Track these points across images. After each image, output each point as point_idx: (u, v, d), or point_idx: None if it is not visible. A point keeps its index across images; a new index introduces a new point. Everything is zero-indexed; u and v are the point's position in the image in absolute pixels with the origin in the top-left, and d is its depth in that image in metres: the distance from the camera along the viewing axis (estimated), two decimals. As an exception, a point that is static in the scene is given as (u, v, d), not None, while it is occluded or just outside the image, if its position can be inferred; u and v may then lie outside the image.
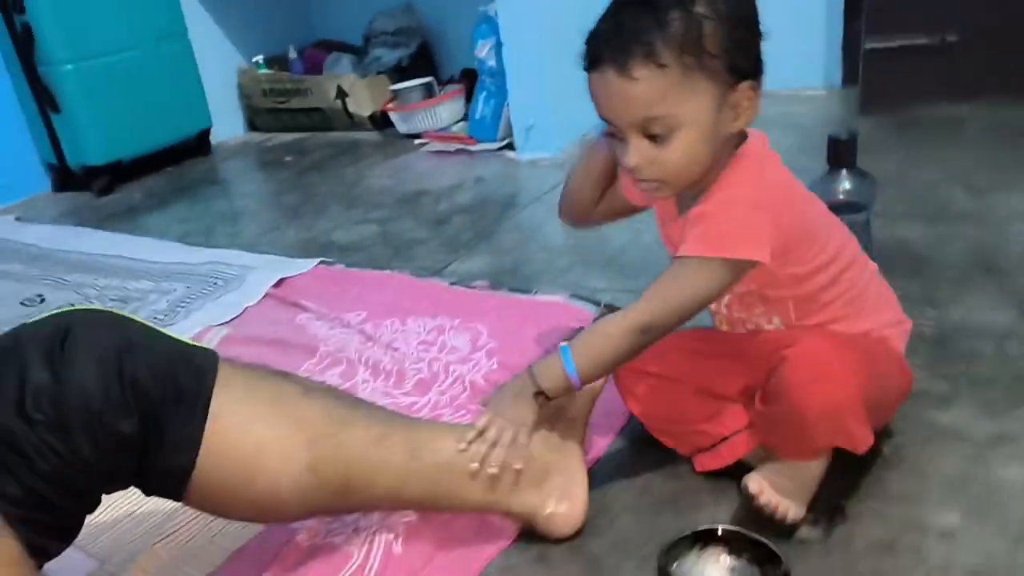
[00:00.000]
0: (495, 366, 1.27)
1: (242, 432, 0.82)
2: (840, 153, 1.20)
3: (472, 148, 2.56)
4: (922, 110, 2.28)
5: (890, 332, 0.96)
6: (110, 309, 0.84)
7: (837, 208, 1.21)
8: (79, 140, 2.57)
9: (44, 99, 2.53)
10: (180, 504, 0.85)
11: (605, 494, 1.01)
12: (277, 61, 3.16)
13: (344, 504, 0.90)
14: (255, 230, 2.20)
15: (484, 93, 2.54)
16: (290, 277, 1.71)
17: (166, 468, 0.79)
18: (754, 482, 0.90)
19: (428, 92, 2.79)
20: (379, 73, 2.94)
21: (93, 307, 0.84)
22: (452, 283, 1.61)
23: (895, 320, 0.98)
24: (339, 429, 0.86)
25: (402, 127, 2.78)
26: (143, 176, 2.75)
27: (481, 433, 0.89)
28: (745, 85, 0.81)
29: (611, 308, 1.36)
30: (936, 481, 0.96)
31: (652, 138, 0.81)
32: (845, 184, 1.21)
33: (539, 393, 0.89)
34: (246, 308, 1.61)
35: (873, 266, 0.99)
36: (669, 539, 0.86)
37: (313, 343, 1.42)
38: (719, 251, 0.82)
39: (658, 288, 0.86)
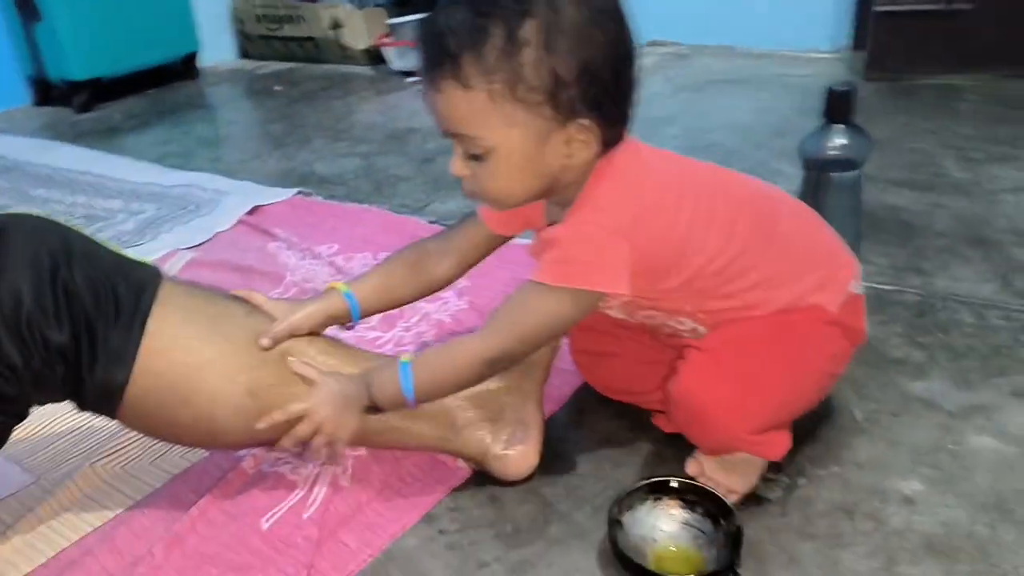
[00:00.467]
0: (464, 305, 1.23)
1: (180, 350, 0.78)
2: (837, 106, 1.14)
3: (465, 89, 2.48)
4: (926, 78, 2.24)
5: (821, 296, 0.85)
6: (52, 217, 0.79)
7: (828, 164, 1.18)
8: (60, 53, 2.49)
9: (26, 7, 2.44)
10: (121, 422, 0.82)
11: (564, 441, 0.98)
12: (273, -14, 3.06)
13: (285, 434, 0.86)
14: (236, 157, 2.14)
15: (481, 32, 2.46)
16: (265, 205, 1.66)
17: (99, 383, 0.75)
18: (693, 464, 0.89)
19: (425, 28, 2.70)
20: (377, 6, 2.85)
21: (33, 212, 0.79)
22: (431, 221, 1.56)
23: (829, 277, 0.87)
24: (283, 354, 0.83)
25: (396, 63, 2.70)
26: (126, 96, 2.68)
27: (291, 424, 0.81)
28: (577, 124, 0.71)
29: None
30: (905, 449, 0.93)
31: (472, 155, 0.73)
32: (839, 139, 1.16)
33: (371, 407, 0.82)
34: (216, 233, 1.56)
35: (792, 223, 0.88)
36: (623, 489, 0.83)
37: (281, 272, 1.38)
38: (567, 280, 0.74)
39: (507, 317, 0.78)
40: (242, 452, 0.94)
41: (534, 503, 0.90)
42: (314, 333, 0.87)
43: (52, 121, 2.51)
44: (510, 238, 0.91)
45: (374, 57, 2.82)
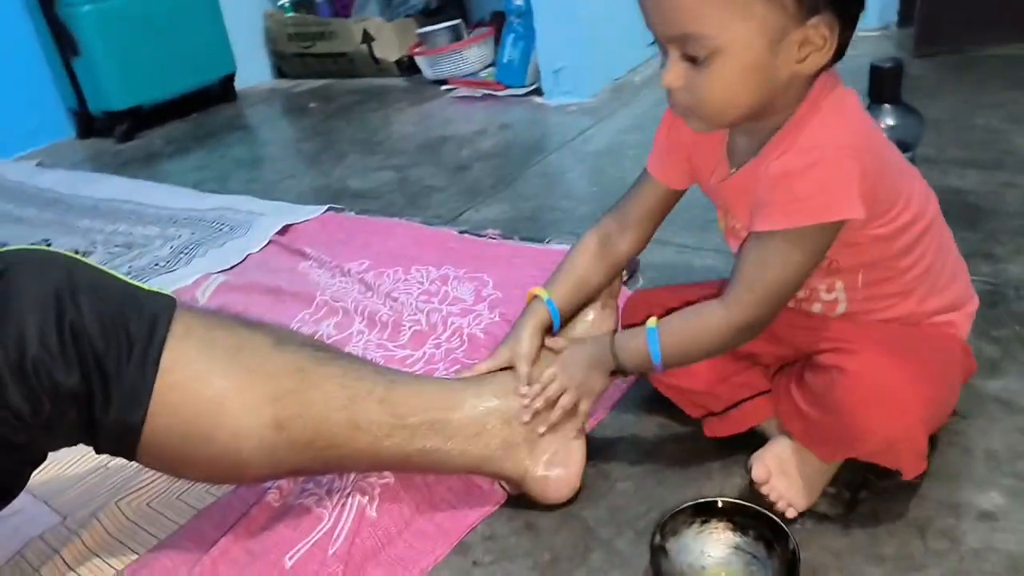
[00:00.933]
0: (496, 318, 1.18)
1: (198, 386, 0.74)
2: (883, 85, 1.06)
3: (499, 93, 2.44)
4: (982, 50, 2.09)
5: (956, 316, 0.82)
6: (60, 250, 0.76)
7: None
8: (99, 84, 2.52)
9: (64, 42, 2.48)
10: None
11: (605, 460, 0.92)
12: (304, 5, 3.06)
13: (315, 465, 0.82)
14: (271, 176, 2.13)
15: (512, 35, 2.41)
16: (296, 223, 1.64)
17: (114, 425, 0.72)
18: (761, 467, 0.81)
19: (455, 35, 2.67)
20: (407, 16, 2.82)
21: (37, 247, 0.76)
22: (462, 231, 1.52)
23: (965, 296, 0.84)
24: (310, 383, 0.78)
25: (428, 72, 2.67)
26: (167, 122, 2.71)
27: (543, 388, 0.84)
28: (819, 20, 0.65)
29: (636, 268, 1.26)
30: (980, 457, 0.85)
31: (693, 59, 0.67)
32: (888, 120, 1.07)
33: (616, 370, 0.82)
34: (248, 255, 1.54)
35: (947, 231, 0.84)
36: (665, 512, 0.77)
37: (311, 291, 1.34)
38: (811, 218, 0.68)
39: (751, 276, 0.73)
40: (268, 484, 0.91)
41: (573, 528, 0.84)
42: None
43: (95, 152, 2.55)
44: (683, 194, 0.88)
45: (407, 68, 2.79)
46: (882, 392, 0.72)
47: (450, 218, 1.65)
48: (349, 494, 0.87)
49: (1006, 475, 0.82)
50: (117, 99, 2.53)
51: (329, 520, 0.84)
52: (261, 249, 1.56)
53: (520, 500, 0.87)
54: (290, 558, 0.81)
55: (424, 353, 1.13)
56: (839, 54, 0.70)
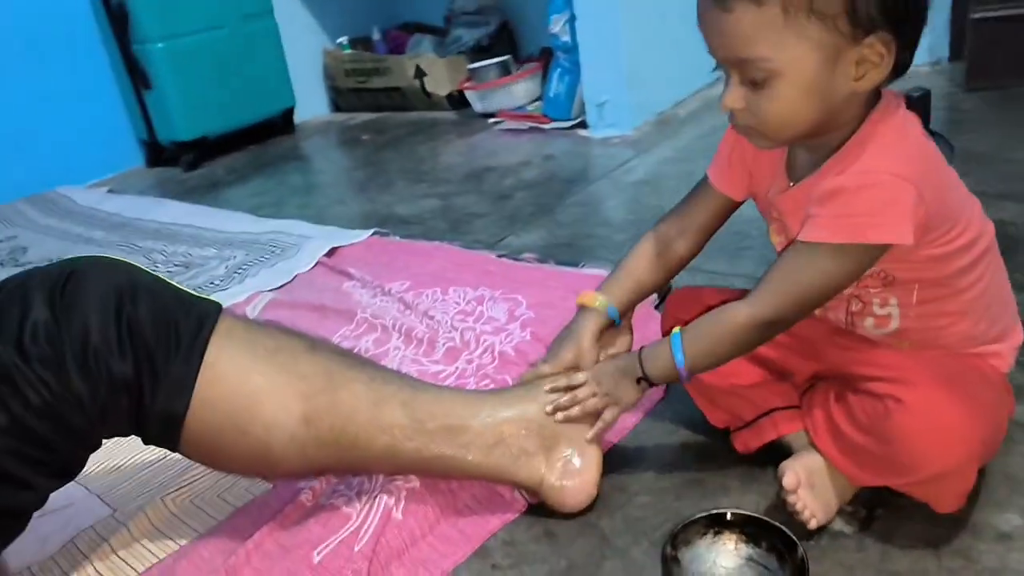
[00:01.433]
0: (528, 337, 1.21)
1: (237, 381, 0.80)
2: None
3: (545, 126, 2.51)
4: (1030, 85, 2.08)
5: (1003, 348, 0.83)
6: (122, 258, 0.84)
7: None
8: (169, 116, 2.67)
9: (137, 76, 2.64)
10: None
11: (625, 473, 0.95)
12: (361, 43, 3.20)
13: (341, 463, 0.87)
14: (323, 203, 2.22)
15: (558, 70, 2.48)
16: (343, 246, 1.71)
17: (160, 413, 0.78)
18: (792, 475, 0.80)
19: (504, 70, 2.76)
20: (459, 53, 2.92)
21: (104, 255, 0.84)
22: (500, 255, 1.56)
23: (1012, 326, 0.84)
24: (339, 384, 0.84)
25: (478, 106, 2.76)
26: (230, 152, 2.84)
27: (573, 388, 0.88)
28: (874, 39, 0.66)
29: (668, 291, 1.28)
30: (999, 477, 0.85)
31: (753, 82, 0.70)
32: (915, 148, 1.09)
33: (643, 378, 0.84)
34: (296, 275, 1.61)
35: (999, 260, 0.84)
36: (678, 523, 0.79)
37: (353, 309, 1.41)
38: (856, 236, 0.70)
39: (779, 278, 0.75)
40: (302, 484, 0.95)
41: (590, 537, 0.87)
42: None
43: (162, 180, 2.69)
44: (737, 207, 0.91)
45: (457, 102, 2.88)
46: (940, 427, 0.72)
47: (490, 243, 1.70)
48: (377, 496, 0.91)
49: (1024, 497, 0.82)
50: (184, 130, 2.68)
51: (357, 519, 0.89)
52: (309, 270, 1.63)
53: (540, 509, 0.90)
54: (319, 553, 0.85)
55: (456, 368, 1.18)
56: (899, 70, 0.71)
